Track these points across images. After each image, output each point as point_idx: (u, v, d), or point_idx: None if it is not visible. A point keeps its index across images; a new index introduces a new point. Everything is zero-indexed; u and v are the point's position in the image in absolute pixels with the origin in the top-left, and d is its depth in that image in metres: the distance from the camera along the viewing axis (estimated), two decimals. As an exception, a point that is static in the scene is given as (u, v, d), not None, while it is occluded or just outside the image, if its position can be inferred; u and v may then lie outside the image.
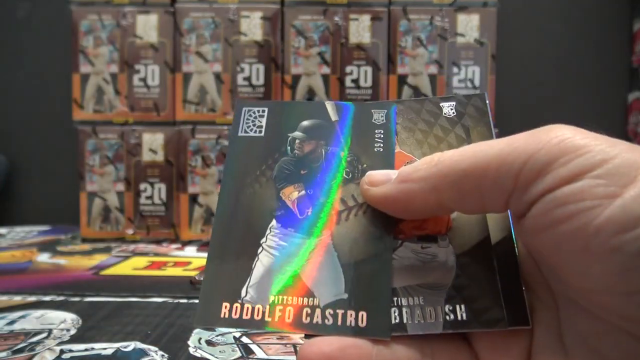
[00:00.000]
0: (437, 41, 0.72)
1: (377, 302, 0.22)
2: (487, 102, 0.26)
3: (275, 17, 0.72)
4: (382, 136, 0.26)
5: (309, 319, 0.22)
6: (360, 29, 0.72)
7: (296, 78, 0.72)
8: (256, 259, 0.24)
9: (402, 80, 0.73)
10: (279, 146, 0.26)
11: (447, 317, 0.22)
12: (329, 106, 0.27)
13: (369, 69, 0.72)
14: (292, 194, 0.25)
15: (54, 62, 0.84)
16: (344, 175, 0.25)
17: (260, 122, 0.27)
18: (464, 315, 0.22)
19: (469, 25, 0.72)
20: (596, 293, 0.19)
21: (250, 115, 0.27)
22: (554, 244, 0.19)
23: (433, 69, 0.73)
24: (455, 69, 0.73)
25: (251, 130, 0.27)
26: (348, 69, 0.72)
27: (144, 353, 0.33)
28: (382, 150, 0.26)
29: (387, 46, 0.73)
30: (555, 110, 0.84)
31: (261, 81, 0.72)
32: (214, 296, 0.23)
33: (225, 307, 0.22)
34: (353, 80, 0.72)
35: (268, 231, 0.24)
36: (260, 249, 0.24)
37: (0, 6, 0.85)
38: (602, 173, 0.18)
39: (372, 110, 0.27)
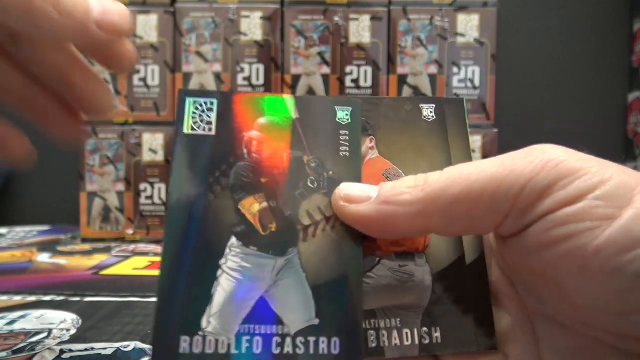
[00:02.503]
0: (437, 41, 0.73)
1: (350, 326, 0.21)
2: (465, 108, 0.26)
3: (275, 17, 0.72)
4: (347, 138, 0.24)
5: (279, 349, 0.20)
6: (360, 29, 0.72)
7: (296, 78, 0.72)
8: (216, 283, 0.21)
9: (402, 80, 0.73)
10: (234, 148, 0.23)
11: (423, 340, 0.22)
12: (289, 101, 0.24)
13: (369, 69, 0.72)
14: (252, 207, 0.22)
15: (54, 62, 0.83)
16: (309, 184, 0.23)
17: (210, 117, 0.23)
18: (439, 338, 0.22)
19: (469, 25, 0.72)
20: (590, 311, 0.19)
21: (197, 109, 0.24)
22: (550, 263, 0.19)
23: (433, 69, 0.73)
24: (455, 69, 0.73)
25: (199, 127, 0.23)
26: (348, 69, 0.72)
27: (144, 353, 0.33)
28: (348, 154, 0.23)
29: (387, 46, 0.73)
30: (555, 110, 0.84)
31: (261, 81, 0.72)
32: (170, 329, 0.20)
33: (185, 341, 0.20)
34: (353, 80, 0.72)
35: (227, 250, 0.22)
36: (220, 271, 0.21)
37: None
38: (600, 195, 0.18)
39: (336, 107, 0.24)
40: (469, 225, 0.20)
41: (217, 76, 0.73)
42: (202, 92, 0.24)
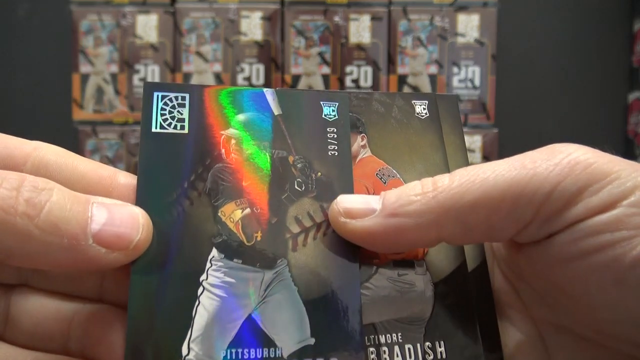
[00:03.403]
0: (437, 41, 0.72)
1: (348, 344, 0.19)
2: (459, 105, 0.24)
3: (275, 17, 0.72)
4: (335, 136, 0.22)
5: None
6: (360, 29, 0.72)
7: (296, 78, 0.72)
8: (197, 303, 0.19)
9: (402, 80, 0.73)
10: (210, 148, 0.20)
11: (427, 356, 0.20)
12: (270, 96, 0.22)
13: (369, 69, 0.72)
14: (234, 214, 0.20)
15: (54, 62, 0.84)
16: (296, 186, 0.21)
17: (182, 113, 0.21)
18: (444, 353, 0.20)
19: (469, 25, 0.72)
20: (618, 324, 0.18)
21: (167, 104, 0.21)
22: (578, 275, 0.18)
23: (433, 69, 0.73)
24: (455, 69, 0.73)
25: (170, 125, 0.20)
26: (348, 69, 0.72)
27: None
28: (337, 154, 0.21)
29: (387, 46, 0.73)
30: (555, 110, 0.84)
31: (261, 81, 0.72)
32: (145, 358, 0.18)
33: None
34: (353, 80, 0.72)
35: (208, 264, 0.19)
36: (201, 289, 0.19)
37: (0, 6, 0.85)
38: (635, 201, 0.17)
39: (322, 103, 0.22)
40: (485, 233, 0.19)
41: (217, 76, 0.73)
42: (171, 86, 0.21)
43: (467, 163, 0.23)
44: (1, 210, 0.15)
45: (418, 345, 0.20)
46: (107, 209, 0.17)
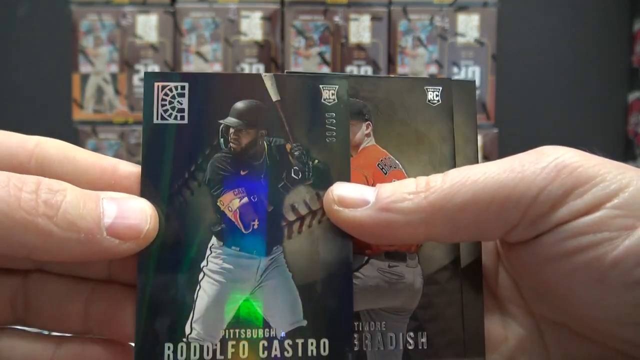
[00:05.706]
0: (437, 41, 0.73)
1: (339, 327, 0.20)
2: (475, 91, 0.23)
3: (275, 17, 0.72)
4: (333, 121, 0.22)
5: (266, 352, 0.20)
6: (360, 29, 0.72)
7: (296, 78, 0.72)
8: (198, 287, 0.20)
9: (402, 80, 0.73)
10: (209, 138, 0.21)
11: (408, 346, 0.21)
12: (268, 81, 0.22)
13: (369, 69, 0.72)
14: (232, 203, 0.21)
15: (54, 62, 0.84)
16: (292, 174, 0.21)
17: (181, 103, 0.21)
18: (425, 344, 0.21)
19: (469, 25, 0.73)
20: (605, 322, 0.18)
21: (167, 94, 0.21)
22: (563, 274, 0.18)
23: (433, 69, 0.73)
24: (455, 69, 0.73)
25: (170, 115, 0.21)
26: (348, 69, 0.72)
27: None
28: (335, 140, 0.21)
29: (387, 46, 0.73)
30: (555, 110, 0.84)
31: (261, 81, 0.73)
32: (153, 337, 0.20)
33: (169, 348, 0.20)
34: (353, 80, 0.72)
35: (208, 252, 0.20)
36: (202, 274, 0.20)
37: (0, 6, 0.85)
38: (619, 203, 0.17)
39: (321, 87, 0.22)
40: (473, 233, 0.19)
41: (217, 76, 0.73)
42: (171, 75, 0.22)
43: (476, 156, 0.23)
44: (25, 212, 0.17)
45: (400, 334, 0.21)
46: (116, 202, 0.19)
